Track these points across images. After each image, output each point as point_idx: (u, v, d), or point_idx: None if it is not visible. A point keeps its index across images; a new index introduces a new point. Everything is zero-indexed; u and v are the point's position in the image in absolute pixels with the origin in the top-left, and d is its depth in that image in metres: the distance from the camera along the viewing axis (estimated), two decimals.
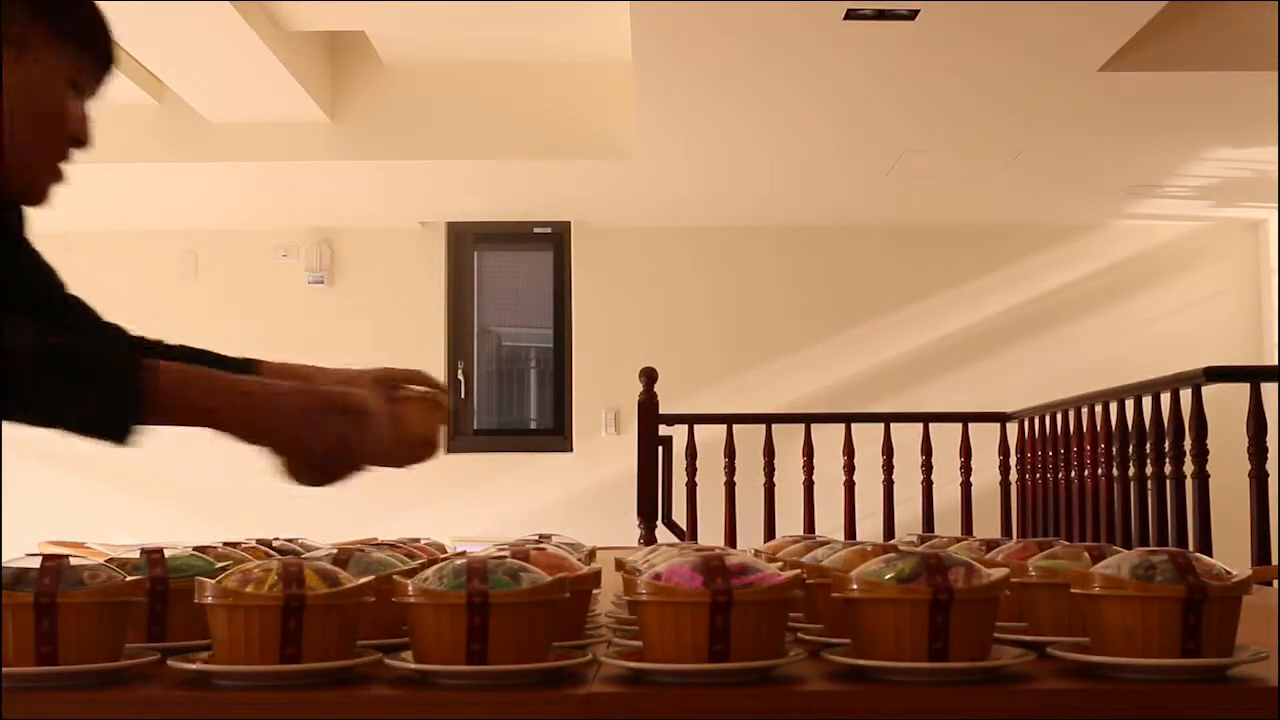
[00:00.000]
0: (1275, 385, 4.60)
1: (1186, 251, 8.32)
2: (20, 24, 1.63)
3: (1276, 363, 7.49)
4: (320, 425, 1.44)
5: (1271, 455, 4.33)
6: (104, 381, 1.43)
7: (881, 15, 4.89)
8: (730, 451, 5.95)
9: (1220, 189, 7.53)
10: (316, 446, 1.45)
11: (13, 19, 1.63)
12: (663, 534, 5.77)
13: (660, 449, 5.82)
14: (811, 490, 5.98)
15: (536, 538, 1.68)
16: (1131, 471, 4.85)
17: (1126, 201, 7.81)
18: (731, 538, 5.82)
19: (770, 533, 5.83)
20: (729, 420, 6.04)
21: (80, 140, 1.69)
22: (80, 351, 1.45)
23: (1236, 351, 7.95)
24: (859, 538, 5.15)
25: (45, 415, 1.43)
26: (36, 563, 1.16)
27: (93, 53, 1.70)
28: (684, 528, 5.87)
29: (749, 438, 6.06)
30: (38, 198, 1.69)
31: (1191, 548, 3.74)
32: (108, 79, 1.72)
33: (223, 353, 1.75)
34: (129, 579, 1.18)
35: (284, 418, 1.45)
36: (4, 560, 1.18)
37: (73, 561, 1.16)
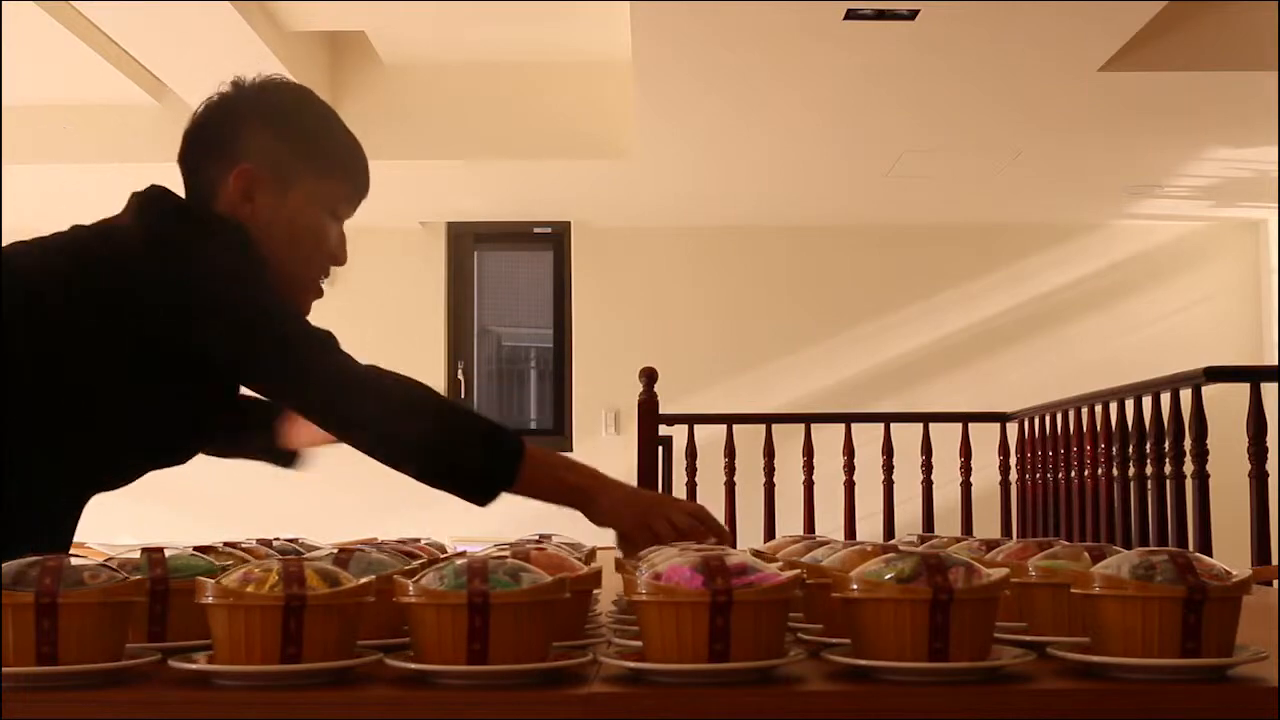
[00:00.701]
0: (1275, 385, 4.60)
1: (1186, 251, 8.32)
2: (286, 165, 1.80)
3: (1276, 363, 7.49)
4: (671, 518, 1.74)
5: (1271, 455, 4.33)
6: (495, 444, 1.70)
7: (881, 15, 4.89)
8: (730, 451, 5.95)
9: (1220, 189, 7.53)
10: (664, 536, 1.71)
11: (279, 161, 1.80)
12: None
13: (660, 449, 5.82)
14: (811, 490, 5.98)
15: (536, 538, 1.68)
16: (1131, 471, 4.85)
17: (1126, 201, 7.82)
18: (731, 538, 5.81)
19: (770, 533, 5.84)
20: (729, 420, 6.04)
21: (338, 260, 1.89)
22: (471, 414, 1.77)
23: (1236, 351, 7.95)
24: (859, 538, 5.15)
25: (437, 464, 1.71)
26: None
27: (352, 184, 1.88)
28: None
29: (749, 438, 6.06)
30: (300, 312, 1.86)
31: (1191, 548, 3.74)
32: (362, 201, 1.91)
33: None
34: (129, 579, 1.18)
35: (642, 506, 1.75)
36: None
37: (73, 561, 1.16)
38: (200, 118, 1.83)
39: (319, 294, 1.89)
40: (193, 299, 1.68)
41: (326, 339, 1.71)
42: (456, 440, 1.71)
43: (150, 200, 1.77)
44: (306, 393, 1.71)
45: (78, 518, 1.83)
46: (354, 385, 1.68)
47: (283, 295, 1.80)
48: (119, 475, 1.83)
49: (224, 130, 1.81)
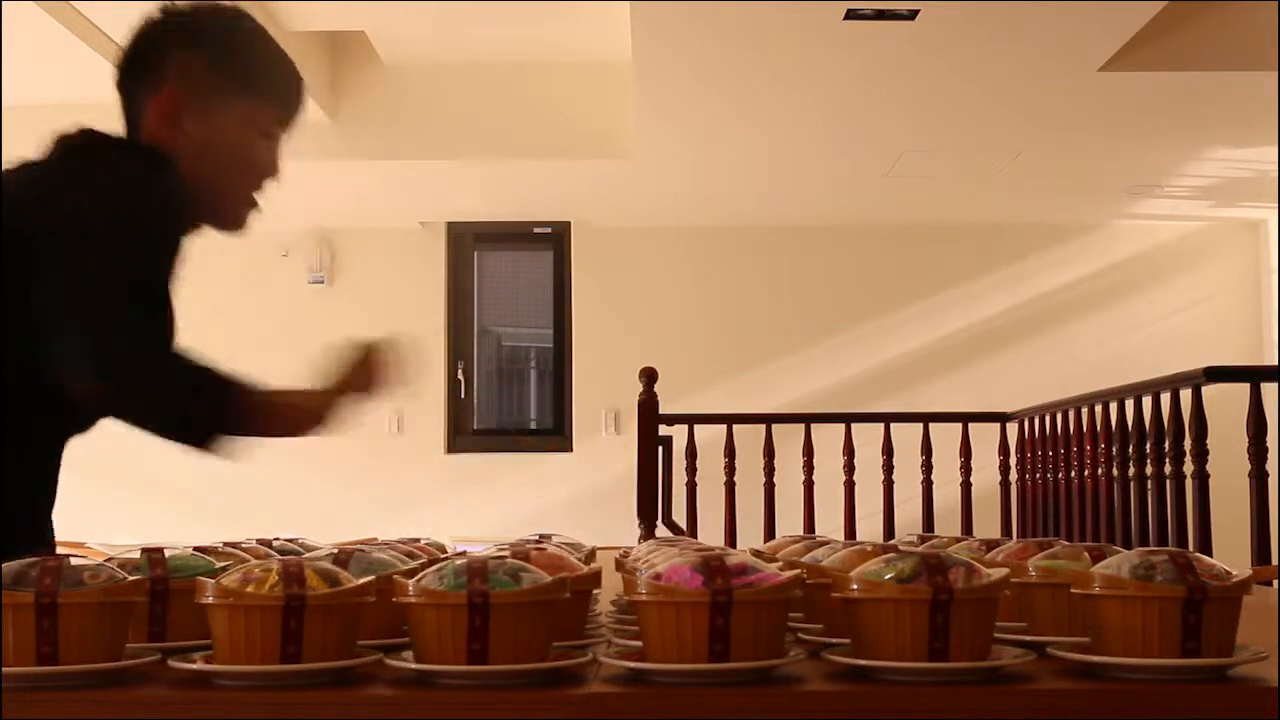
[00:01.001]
0: (1275, 385, 4.60)
1: (1186, 251, 8.32)
2: (211, 86, 1.81)
3: (1276, 363, 7.49)
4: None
5: (1271, 455, 4.33)
6: (206, 391, 1.66)
7: (881, 15, 4.89)
8: (730, 451, 5.95)
9: (1220, 189, 7.53)
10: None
11: (203, 83, 1.80)
12: (663, 534, 5.77)
13: (660, 449, 5.82)
14: (811, 490, 5.98)
15: (536, 538, 1.68)
16: (1131, 471, 4.85)
17: (1126, 201, 7.82)
18: (731, 538, 5.82)
19: (770, 533, 5.83)
20: (729, 420, 6.04)
21: (271, 173, 1.89)
22: (185, 367, 1.68)
23: (1236, 351, 7.95)
24: (859, 538, 5.15)
25: (150, 417, 1.67)
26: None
27: (280, 102, 1.88)
28: (684, 528, 5.87)
29: (749, 438, 6.06)
30: (236, 226, 1.89)
31: (1191, 548, 3.74)
32: (297, 119, 1.90)
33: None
34: (129, 579, 1.18)
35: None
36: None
37: (73, 561, 1.16)
38: (130, 44, 1.85)
39: (254, 206, 1.89)
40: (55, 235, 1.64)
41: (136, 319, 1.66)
42: (164, 390, 1.67)
43: (61, 138, 1.78)
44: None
45: (58, 465, 1.80)
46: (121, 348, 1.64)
47: (216, 212, 1.83)
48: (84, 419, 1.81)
49: (151, 55, 1.83)
